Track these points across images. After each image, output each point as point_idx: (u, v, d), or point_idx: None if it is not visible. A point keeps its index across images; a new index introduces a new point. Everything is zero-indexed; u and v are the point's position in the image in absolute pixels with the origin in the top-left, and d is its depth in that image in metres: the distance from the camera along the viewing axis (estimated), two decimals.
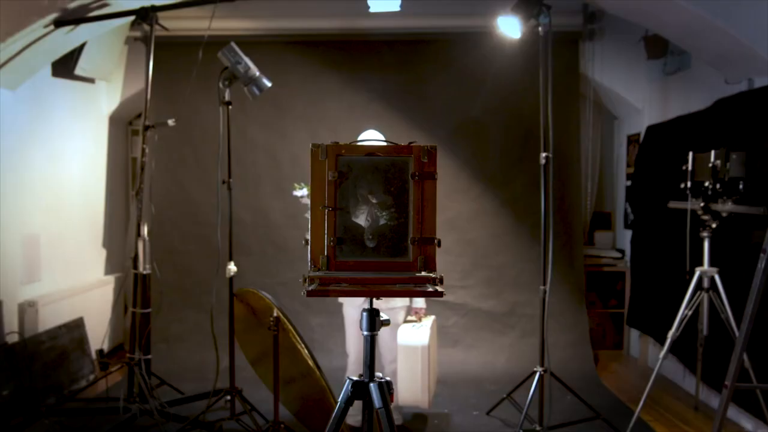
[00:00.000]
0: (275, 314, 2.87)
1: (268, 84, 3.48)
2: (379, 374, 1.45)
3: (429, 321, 3.64)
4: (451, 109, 5.11)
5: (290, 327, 2.87)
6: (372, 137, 3.52)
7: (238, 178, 3.71)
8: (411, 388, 3.46)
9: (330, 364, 4.03)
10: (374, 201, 1.36)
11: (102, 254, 5.30)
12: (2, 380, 3.57)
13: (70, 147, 4.73)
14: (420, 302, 3.62)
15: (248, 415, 3.35)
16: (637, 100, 5.19)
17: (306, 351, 2.88)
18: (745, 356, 2.76)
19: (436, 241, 1.38)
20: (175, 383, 4.14)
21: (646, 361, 5.02)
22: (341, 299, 3.47)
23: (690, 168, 3.41)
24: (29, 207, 4.23)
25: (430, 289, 1.30)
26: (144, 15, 3.57)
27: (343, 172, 1.35)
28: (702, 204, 3.33)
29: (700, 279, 3.37)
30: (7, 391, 3.59)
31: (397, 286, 1.31)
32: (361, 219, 1.36)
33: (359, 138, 3.51)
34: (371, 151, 1.39)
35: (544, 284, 3.52)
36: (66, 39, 3.90)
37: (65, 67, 4.45)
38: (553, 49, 3.50)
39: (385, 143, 1.51)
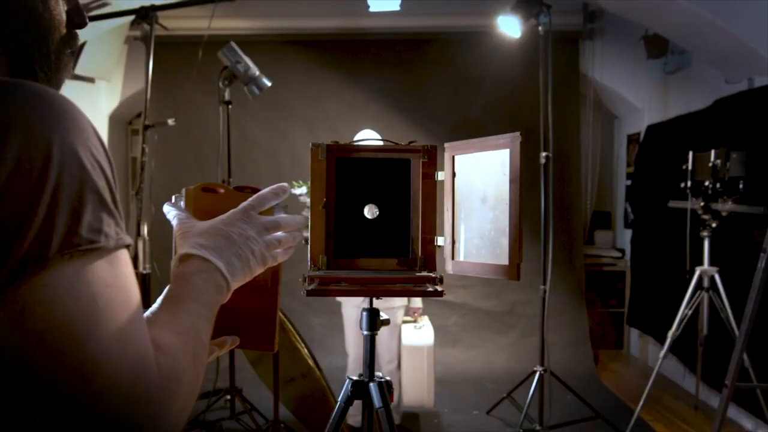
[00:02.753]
0: None
1: (268, 83, 3.48)
2: (379, 374, 1.44)
3: (425, 321, 3.65)
4: (450, 108, 5.11)
5: (290, 327, 2.87)
6: (368, 137, 3.53)
7: (238, 178, 3.71)
8: (417, 388, 3.46)
9: (330, 364, 4.03)
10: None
11: None
12: None
13: None
14: (418, 302, 3.62)
15: (248, 414, 3.35)
16: (638, 99, 5.19)
17: (306, 351, 2.88)
18: (745, 356, 2.76)
19: (435, 241, 1.38)
20: None
21: (646, 361, 5.02)
22: (340, 299, 3.47)
23: (690, 167, 3.41)
24: None
25: (430, 289, 1.30)
26: (144, 14, 3.56)
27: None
28: (702, 203, 3.33)
29: (700, 278, 3.37)
30: None
31: (397, 285, 1.31)
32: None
33: (355, 138, 3.51)
34: (371, 150, 1.39)
35: (544, 284, 3.52)
36: None
37: None
38: (553, 49, 3.50)
39: (383, 143, 1.51)
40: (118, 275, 0.59)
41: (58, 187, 0.55)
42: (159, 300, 0.76)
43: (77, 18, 0.76)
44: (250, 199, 0.87)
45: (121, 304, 0.58)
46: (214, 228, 0.82)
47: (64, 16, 0.75)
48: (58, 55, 0.74)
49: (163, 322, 0.68)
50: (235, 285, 0.80)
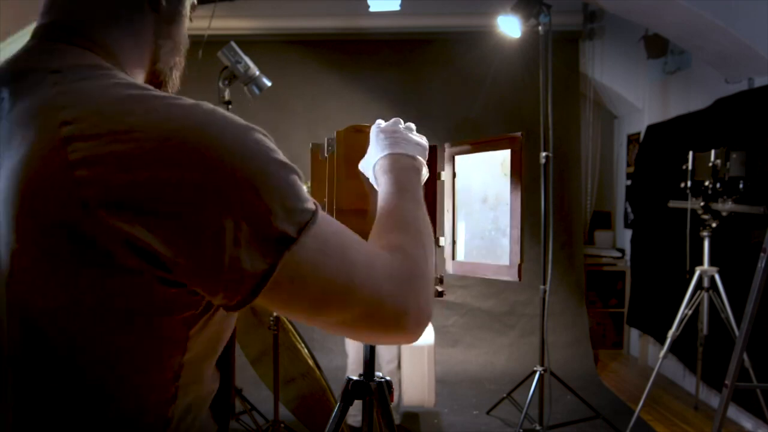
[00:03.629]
0: (275, 314, 2.87)
1: (268, 83, 3.47)
2: (379, 374, 1.44)
3: None
4: (450, 108, 5.12)
5: (290, 327, 2.87)
6: None
7: None
8: (417, 387, 3.46)
9: (330, 364, 4.04)
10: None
11: None
12: None
13: None
14: None
15: (248, 414, 3.35)
16: (638, 99, 5.19)
17: (306, 351, 2.88)
18: (745, 356, 2.76)
19: (436, 240, 1.37)
20: None
21: (646, 361, 5.02)
22: None
23: (690, 167, 3.41)
24: None
25: None
26: None
27: None
28: (702, 203, 3.33)
29: (700, 278, 3.37)
30: None
31: None
32: None
33: None
34: None
35: (544, 284, 3.52)
36: None
37: None
38: (553, 49, 3.50)
39: None
40: (331, 220, 0.69)
41: (271, 178, 0.62)
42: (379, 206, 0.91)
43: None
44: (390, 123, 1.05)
45: (349, 238, 0.70)
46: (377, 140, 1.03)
47: None
48: (178, 75, 0.85)
49: (389, 227, 0.82)
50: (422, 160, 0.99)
